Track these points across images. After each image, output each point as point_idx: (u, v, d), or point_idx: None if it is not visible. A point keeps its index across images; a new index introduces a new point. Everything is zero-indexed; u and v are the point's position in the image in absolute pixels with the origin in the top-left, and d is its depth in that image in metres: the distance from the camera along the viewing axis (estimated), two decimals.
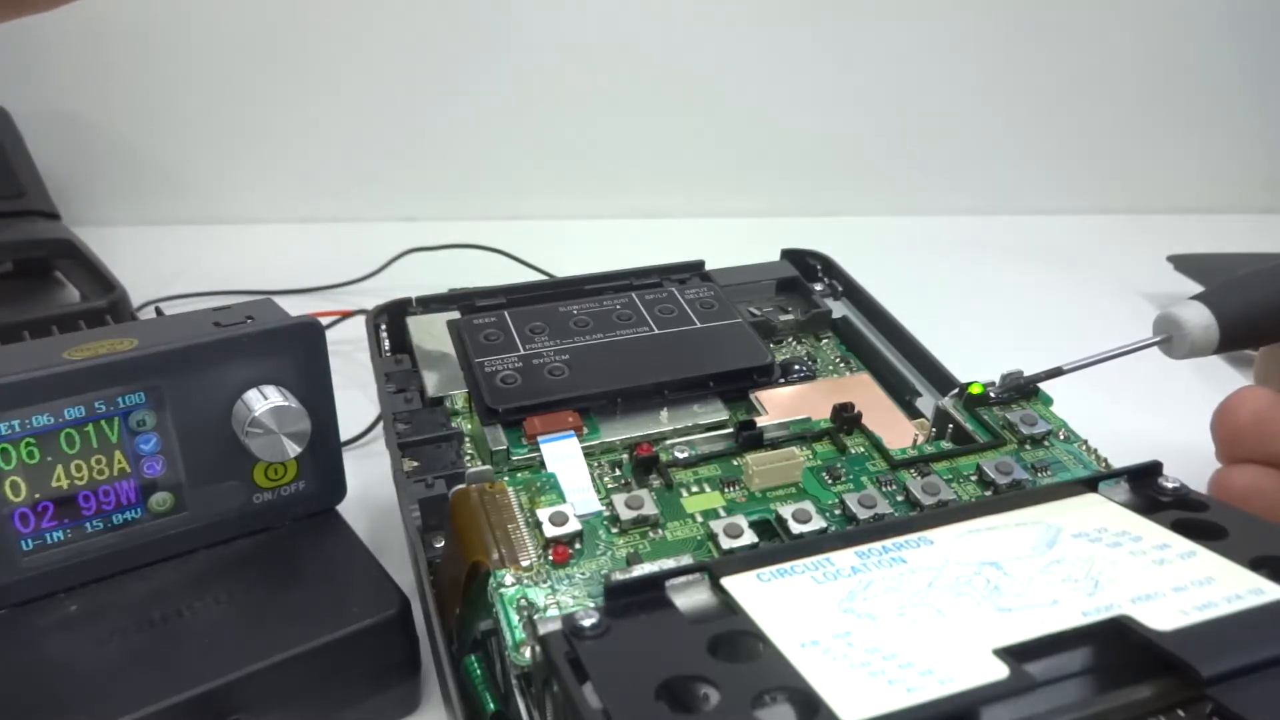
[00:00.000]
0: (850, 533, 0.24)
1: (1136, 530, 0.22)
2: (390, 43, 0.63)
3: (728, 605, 0.21)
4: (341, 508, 0.32)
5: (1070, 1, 0.66)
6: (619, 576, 0.22)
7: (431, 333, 0.37)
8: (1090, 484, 0.25)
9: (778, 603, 0.21)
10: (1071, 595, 0.20)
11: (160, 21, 0.61)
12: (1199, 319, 0.32)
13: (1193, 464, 0.44)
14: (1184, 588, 0.20)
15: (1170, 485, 0.25)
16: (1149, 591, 0.20)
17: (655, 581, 0.21)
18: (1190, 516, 0.23)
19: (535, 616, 0.21)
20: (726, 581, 0.21)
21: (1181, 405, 0.48)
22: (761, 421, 0.31)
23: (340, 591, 0.29)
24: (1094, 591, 0.20)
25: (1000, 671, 0.18)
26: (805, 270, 0.43)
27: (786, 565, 0.22)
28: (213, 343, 0.28)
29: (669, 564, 0.23)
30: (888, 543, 0.23)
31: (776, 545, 0.25)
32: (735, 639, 0.20)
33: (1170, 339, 0.33)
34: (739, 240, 0.54)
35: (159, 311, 0.35)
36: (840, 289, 0.43)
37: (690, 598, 0.21)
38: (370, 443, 0.43)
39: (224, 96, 0.64)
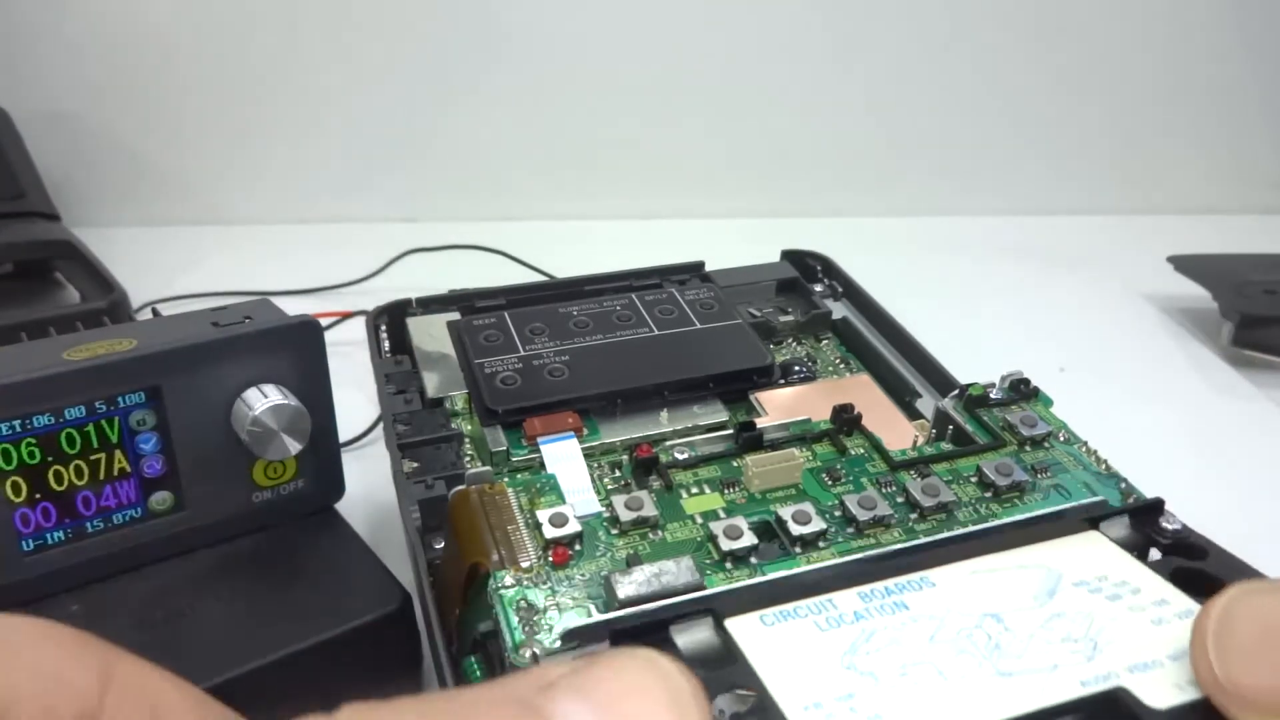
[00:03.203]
0: (854, 570, 0.24)
1: (1136, 581, 0.23)
2: (390, 43, 0.63)
3: (729, 649, 0.21)
4: (342, 509, 0.32)
5: (1071, 1, 0.66)
6: (621, 615, 0.22)
7: (431, 334, 0.37)
8: (1093, 521, 0.25)
9: (781, 651, 0.21)
10: (1071, 659, 0.20)
11: (160, 22, 0.61)
12: None
13: (1192, 463, 0.44)
14: (1180, 656, 0.20)
15: (1171, 527, 0.25)
16: (1146, 660, 0.20)
17: (660, 624, 0.21)
18: (1189, 566, 0.23)
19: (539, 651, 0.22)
20: (730, 624, 0.21)
21: (1181, 406, 0.48)
22: (761, 423, 0.31)
23: (341, 588, 0.29)
24: (1093, 655, 0.21)
25: None
26: (805, 271, 0.43)
27: (789, 607, 0.22)
28: (212, 342, 0.28)
29: (673, 594, 0.22)
30: (890, 584, 0.23)
31: (779, 581, 0.24)
32: (739, 697, 0.20)
33: None
34: (739, 241, 0.54)
35: (155, 313, 0.35)
36: (840, 290, 0.43)
37: (692, 636, 0.21)
38: (370, 444, 0.43)
39: (224, 97, 0.64)
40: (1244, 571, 0.23)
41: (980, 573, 0.23)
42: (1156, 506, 0.25)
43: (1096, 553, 0.24)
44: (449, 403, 0.34)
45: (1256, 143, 0.71)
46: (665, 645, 0.21)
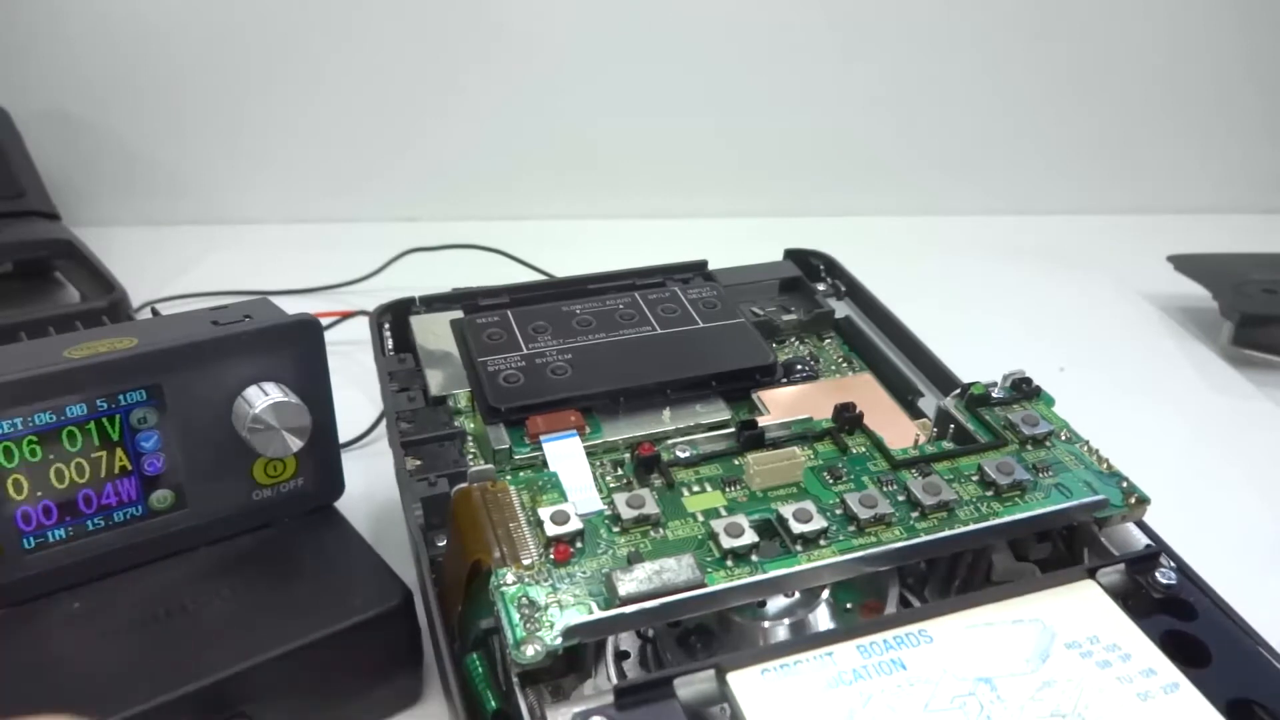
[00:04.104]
0: (855, 627, 0.24)
1: (1127, 645, 0.23)
2: (390, 43, 0.63)
3: (730, 708, 0.21)
4: (344, 508, 0.32)
5: (1073, 2, 0.66)
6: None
7: (435, 332, 0.37)
8: (1091, 570, 0.25)
9: (779, 713, 0.21)
10: None
11: (160, 22, 0.61)
12: None
13: (1192, 462, 0.44)
14: None
15: (1165, 581, 0.25)
16: None
17: (666, 679, 0.22)
18: (1180, 629, 0.24)
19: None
20: (732, 678, 0.22)
21: (1181, 405, 0.48)
22: (763, 421, 0.31)
23: (343, 584, 0.29)
24: None
25: None
26: (808, 270, 0.43)
27: (790, 659, 0.22)
28: (213, 340, 0.28)
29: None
30: (889, 636, 0.23)
31: (784, 644, 0.24)
32: None
33: None
34: (742, 240, 0.54)
35: (155, 312, 0.35)
36: (843, 289, 0.43)
37: (693, 687, 0.22)
38: (372, 443, 0.43)
39: (223, 97, 0.64)
40: (1231, 635, 0.23)
41: (977, 626, 0.23)
42: (1153, 555, 0.25)
43: (1091, 607, 0.24)
44: (452, 400, 0.34)
45: (1256, 143, 0.71)
46: (669, 698, 0.21)
